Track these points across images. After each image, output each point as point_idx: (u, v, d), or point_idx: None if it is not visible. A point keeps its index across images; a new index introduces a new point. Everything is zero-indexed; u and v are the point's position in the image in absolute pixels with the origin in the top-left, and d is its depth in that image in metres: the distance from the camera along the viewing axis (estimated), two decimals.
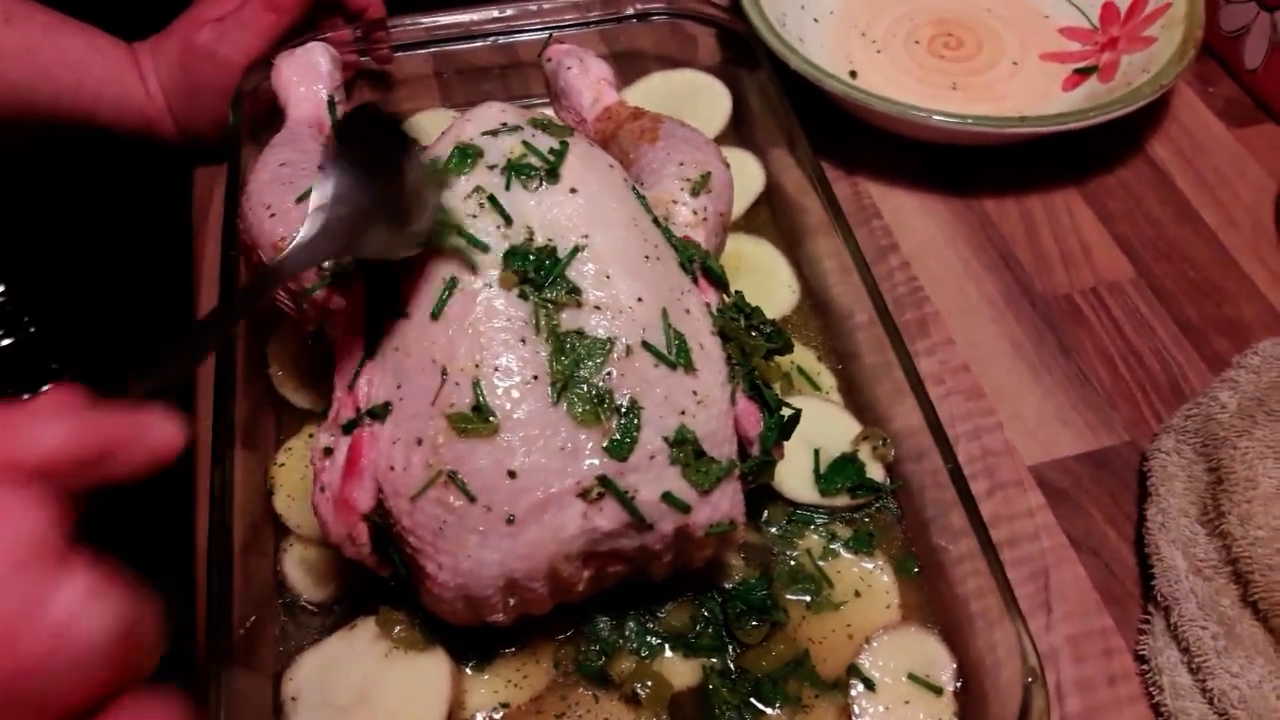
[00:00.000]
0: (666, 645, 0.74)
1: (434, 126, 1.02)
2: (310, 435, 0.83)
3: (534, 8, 1.07)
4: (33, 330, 1.23)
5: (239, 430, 0.77)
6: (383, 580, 0.71)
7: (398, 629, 0.72)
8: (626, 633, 0.74)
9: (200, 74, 0.99)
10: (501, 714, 0.72)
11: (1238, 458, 0.79)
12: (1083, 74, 1.14)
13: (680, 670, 0.74)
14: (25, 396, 1.19)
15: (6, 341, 1.22)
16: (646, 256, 0.69)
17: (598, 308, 0.66)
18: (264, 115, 0.96)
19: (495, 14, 1.06)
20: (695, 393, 0.67)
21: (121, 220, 1.31)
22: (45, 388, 0.53)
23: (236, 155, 0.91)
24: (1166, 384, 0.93)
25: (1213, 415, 0.83)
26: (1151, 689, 0.76)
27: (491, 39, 1.07)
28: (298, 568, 0.78)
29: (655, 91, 1.09)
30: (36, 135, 1.02)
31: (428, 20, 1.06)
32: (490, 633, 0.71)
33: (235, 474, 0.74)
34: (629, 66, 1.10)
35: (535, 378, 0.63)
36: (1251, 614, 0.75)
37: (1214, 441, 0.82)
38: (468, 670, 0.73)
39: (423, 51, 1.08)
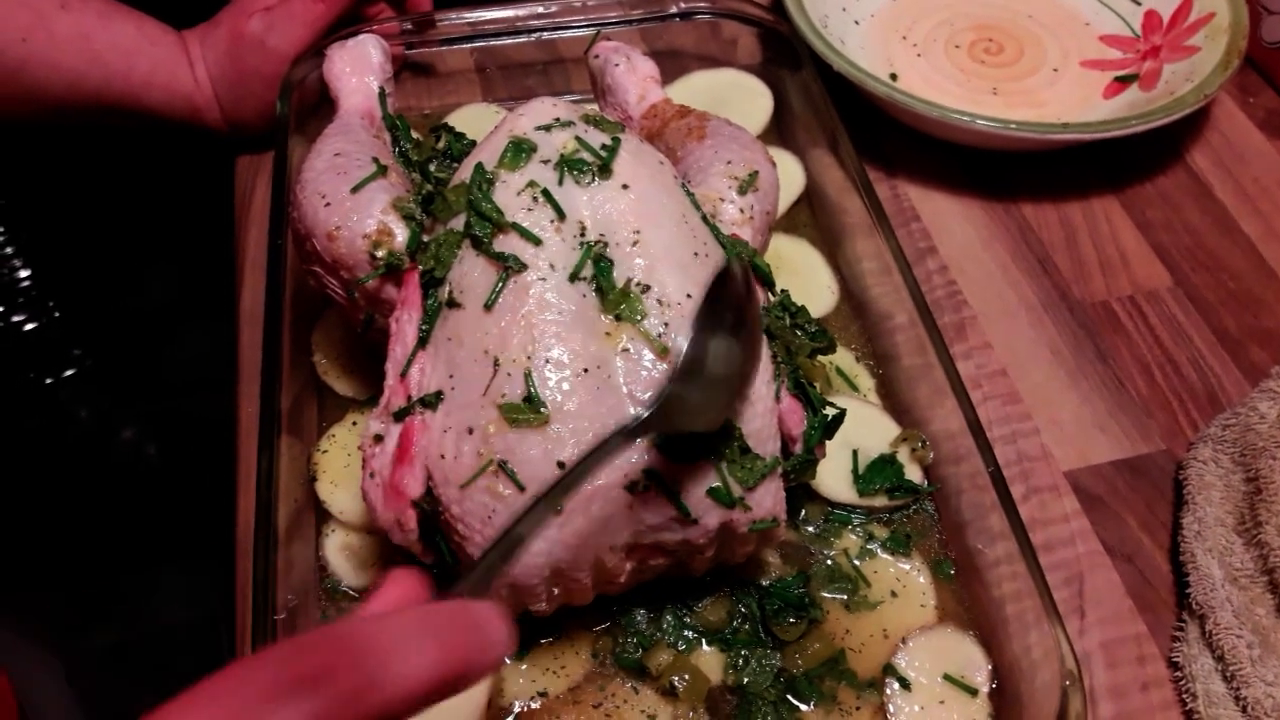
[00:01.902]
0: (703, 640, 0.75)
1: (476, 121, 1.04)
2: (354, 423, 0.84)
3: (577, 4, 1.07)
4: (57, 315, 1.25)
5: (283, 417, 0.78)
6: (424, 567, 0.72)
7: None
8: (664, 626, 0.75)
9: (247, 63, 1.00)
10: (540, 703, 0.72)
11: (1276, 468, 0.79)
12: (1124, 82, 1.14)
13: (717, 665, 0.74)
14: (48, 380, 1.19)
15: (30, 325, 1.23)
16: (696, 253, 0.70)
17: (647, 304, 0.66)
18: (310, 106, 0.97)
19: (539, 10, 1.07)
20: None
21: (153, 206, 1.32)
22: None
23: (284, 145, 0.92)
24: (1203, 393, 0.93)
25: (1251, 425, 0.83)
26: (1185, 696, 0.76)
27: (534, 35, 1.08)
28: (339, 553, 0.79)
29: (697, 90, 1.09)
30: (87, 120, 1.03)
31: (471, 15, 1.07)
32: (529, 622, 0.72)
33: (279, 460, 0.75)
34: (670, 65, 1.10)
35: (586, 370, 0.64)
36: None
37: (1252, 451, 0.82)
38: (507, 659, 0.74)
39: (466, 46, 1.09)
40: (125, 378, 1.30)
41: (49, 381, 1.25)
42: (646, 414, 0.60)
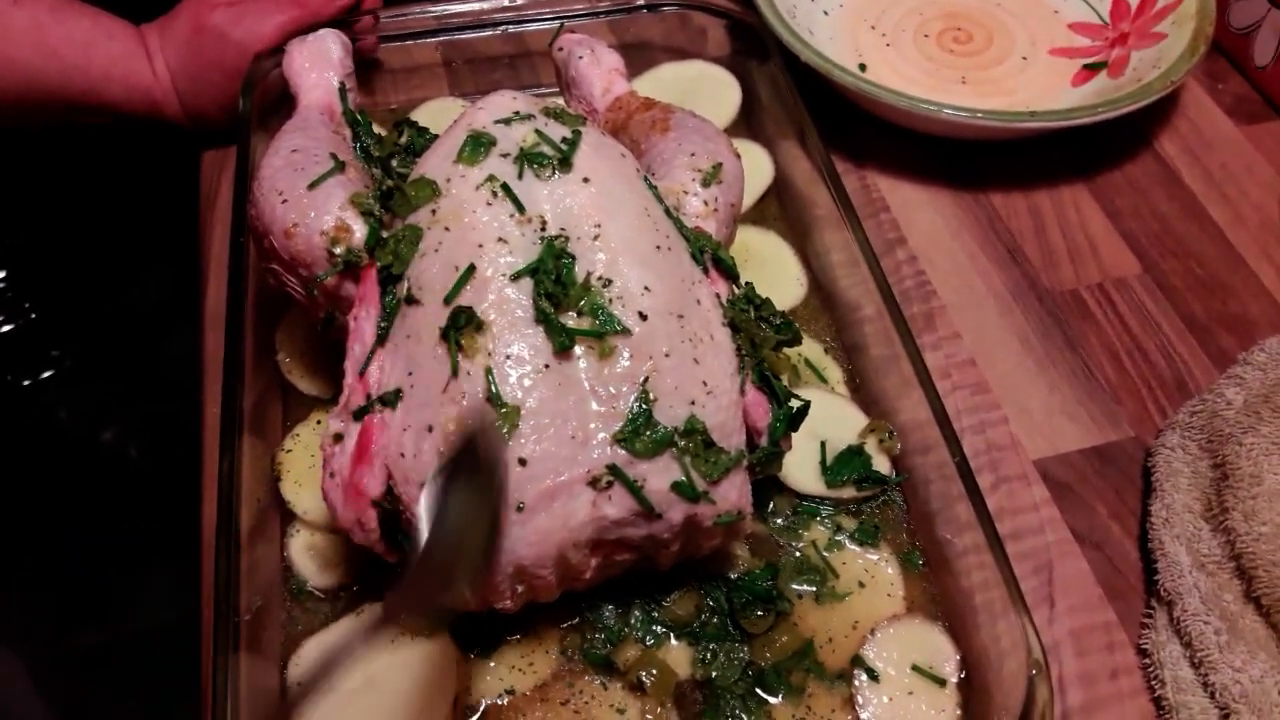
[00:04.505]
0: (671, 634, 0.75)
1: (442, 115, 1.02)
2: (318, 422, 0.83)
3: None
4: (34, 316, 1.23)
5: (246, 417, 0.77)
6: (389, 567, 0.72)
7: (404, 614, 0.72)
8: (632, 621, 0.75)
9: (208, 55, 0.99)
10: (507, 700, 0.72)
11: (1243, 454, 0.79)
12: (1092, 69, 1.14)
13: (685, 659, 0.74)
14: (26, 382, 1.19)
15: (7, 328, 1.22)
16: (658, 246, 0.69)
17: (609, 298, 0.66)
18: (274, 101, 0.96)
19: (505, 3, 1.06)
20: (705, 383, 0.67)
21: (127, 204, 1.31)
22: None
23: (246, 141, 0.91)
24: (1172, 380, 0.93)
25: (1218, 411, 0.84)
26: (1153, 683, 0.76)
27: (501, 28, 1.07)
28: (304, 554, 0.78)
29: (665, 82, 1.09)
30: (48, 119, 1.02)
31: (437, 9, 1.06)
32: (496, 620, 0.72)
33: (242, 460, 0.74)
34: (638, 57, 1.09)
35: (546, 366, 0.64)
36: (1254, 609, 0.76)
37: (1219, 438, 0.82)
38: (473, 657, 0.73)
39: (432, 40, 1.08)
40: (105, 379, 1.29)
41: (26, 383, 1.23)
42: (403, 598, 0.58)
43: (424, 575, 0.59)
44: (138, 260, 1.32)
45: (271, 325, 0.89)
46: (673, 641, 0.75)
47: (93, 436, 1.27)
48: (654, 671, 0.72)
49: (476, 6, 1.06)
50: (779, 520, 0.81)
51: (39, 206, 1.30)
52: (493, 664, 0.73)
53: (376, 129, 0.87)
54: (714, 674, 0.73)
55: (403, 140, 0.83)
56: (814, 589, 0.77)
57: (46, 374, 1.23)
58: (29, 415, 1.24)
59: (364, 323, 0.68)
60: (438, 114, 1.06)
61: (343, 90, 0.86)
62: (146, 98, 1.01)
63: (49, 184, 1.30)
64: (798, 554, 0.79)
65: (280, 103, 0.95)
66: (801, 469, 0.82)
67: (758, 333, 0.73)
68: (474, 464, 0.60)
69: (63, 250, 1.30)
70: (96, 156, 1.25)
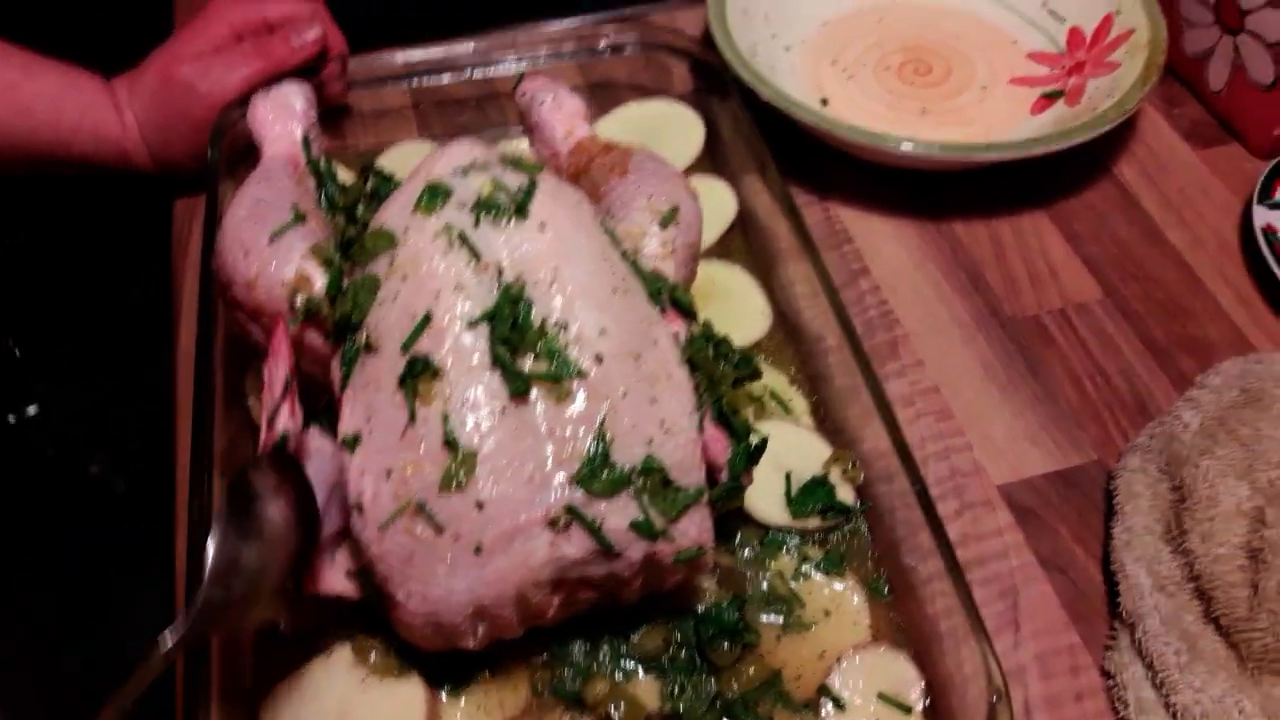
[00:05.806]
0: (640, 668, 0.75)
1: (413, 157, 1.04)
2: None
3: (509, 40, 1.08)
4: (17, 353, 1.25)
5: (217, 460, 0.78)
6: (358, 607, 0.73)
7: (373, 655, 0.73)
8: (601, 656, 0.75)
9: (176, 106, 1.01)
10: None
11: (1199, 476, 0.80)
12: (1050, 98, 1.17)
13: (654, 692, 0.75)
14: (11, 419, 1.20)
15: None
16: (614, 289, 0.71)
17: (565, 341, 0.67)
18: (241, 150, 0.97)
19: (471, 46, 1.08)
20: (663, 422, 0.68)
21: (104, 247, 1.32)
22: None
23: (214, 190, 0.92)
24: (1133, 403, 0.95)
25: (1176, 434, 0.85)
26: (1117, 704, 0.77)
27: (466, 70, 1.09)
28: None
29: (631, 120, 1.10)
30: (15, 171, 1.03)
31: (404, 54, 1.08)
32: (466, 657, 0.72)
33: (213, 504, 0.75)
34: (605, 96, 1.12)
35: (503, 410, 0.65)
36: (1213, 630, 0.77)
37: (1177, 460, 0.83)
38: (443, 696, 0.74)
39: (399, 86, 1.10)
40: (90, 414, 1.30)
41: (11, 420, 1.24)
42: (182, 631, 0.59)
43: (202, 612, 0.60)
44: (116, 297, 1.34)
45: (242, 371, 0.90)
46: (641, 675, 0.75)
47: (79, 470, 1.28)
48: (623, 705, 0.73)
49: (442, 51, 1.08)
50: (746, 551, 0.82)
51: (19, 247, 1.32)
52: (463, 703, 0.74)
53: (344, 174, 0.89)
54: (682, 706, 0.73)
55: (369, 187, 0.85)
56: (782, 619, 0.78)
57: (31, 410, 1.24)
58: (14, 450, 1.24)
59: (273, 373, 0.70)
60: (408, 156, 1.07)
61: (306, 141, 0.88)
62: (116, 148, 1.03)
63: (25, 222, 1.31)
64: (765, 585, 0.80)
65: (248, 152, 0.96)
66: (767, 500, 0.83)
67: (716, 370, 0.74)
68: (240, 511, 0.62)
69: (44, 289, 1.32)
70: (72, 200, 1.27)
